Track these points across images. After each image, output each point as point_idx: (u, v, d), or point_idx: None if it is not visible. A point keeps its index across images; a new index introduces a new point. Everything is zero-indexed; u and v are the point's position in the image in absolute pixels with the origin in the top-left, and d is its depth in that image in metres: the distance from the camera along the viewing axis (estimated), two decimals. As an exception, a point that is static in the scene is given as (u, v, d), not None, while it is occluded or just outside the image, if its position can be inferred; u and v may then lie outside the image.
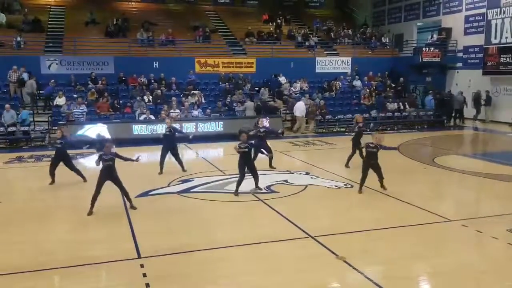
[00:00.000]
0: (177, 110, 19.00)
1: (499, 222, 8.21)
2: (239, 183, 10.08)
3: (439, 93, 23.70)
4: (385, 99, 22.79)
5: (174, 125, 13.21)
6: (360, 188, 10.22)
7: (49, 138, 16.75)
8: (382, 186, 10.26)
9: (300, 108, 20.37)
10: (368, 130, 15.52)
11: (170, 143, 12.38)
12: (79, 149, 14.93)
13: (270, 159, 12.76)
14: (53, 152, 11.50)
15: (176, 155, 12.42)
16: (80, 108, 18.04)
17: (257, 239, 7.41)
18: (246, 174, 10.16)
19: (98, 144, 9.22)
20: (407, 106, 22.52)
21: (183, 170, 12.29)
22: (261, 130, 12.75)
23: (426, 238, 7.56)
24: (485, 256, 7.04)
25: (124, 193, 9.06)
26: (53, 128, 17.67)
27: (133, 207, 9.03)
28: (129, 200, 9.10)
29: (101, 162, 8.86)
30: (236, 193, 10.02)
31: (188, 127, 18.04)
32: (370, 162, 10.15)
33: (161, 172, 12.17)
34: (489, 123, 22.82)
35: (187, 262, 6.69)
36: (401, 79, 24.64)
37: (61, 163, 11.18)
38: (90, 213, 8.69)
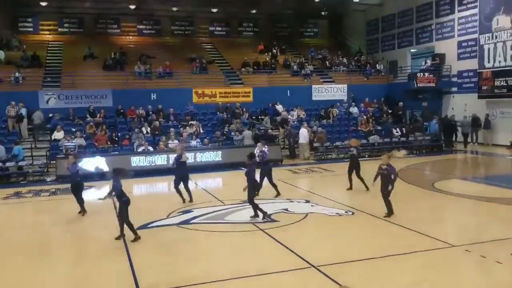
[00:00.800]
0: (175, 141, 19.03)
1: (503, 246, 8.11)
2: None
3: (444, 117, 23.83)
4: (391, 125, 22.96)
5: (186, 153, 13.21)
6: (389, 213, 10.08)
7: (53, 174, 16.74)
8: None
9: (303, 134, 20.48)
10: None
11: (183, 170, 12.30)
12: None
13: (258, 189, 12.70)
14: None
15: (187, 184, 12.31)
16: (72, 142, 18.01)
17: (259, 271, 7.28)
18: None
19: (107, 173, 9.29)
20: (411, 131, 22.57)
21: (191, 200, 12.20)
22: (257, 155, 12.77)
23: (430, 264, 7.45)
24: (491, 281, 6.92)
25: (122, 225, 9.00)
26: (52, 162, 17.67)
27: (119, 238, 8.93)
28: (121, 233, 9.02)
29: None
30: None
31: (187, 157, 17.98)
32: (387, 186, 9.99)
33: (184, 200, 12.10)
34: (489, 146, 22.84)
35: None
36: (400, 103, 24.83)
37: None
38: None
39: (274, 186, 12.84)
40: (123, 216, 8.90)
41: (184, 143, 19.13)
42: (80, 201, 11.36)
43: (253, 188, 10.37)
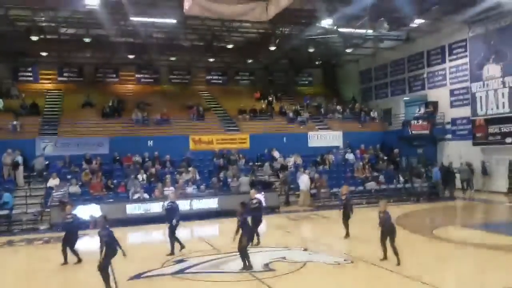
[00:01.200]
0: (171, 188, 18.90)
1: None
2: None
3: (441, 165, 23.91)
4: (393, 172, 23.14)
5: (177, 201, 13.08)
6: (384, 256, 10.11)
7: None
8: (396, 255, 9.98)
9: (304, 181, 20.45)
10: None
11: (173, 217, 12.12)
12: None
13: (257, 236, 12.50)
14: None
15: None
16: (61, 190, 17.75)
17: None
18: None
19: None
20: (413, 178, 22.62)
21: (181, 248, 11.92)
22: (254, 202, 12.67)
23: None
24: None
25: None
26: (46, 210, 17.44)
27: None
28: None
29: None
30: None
31: (183, 205, 17.82)
32: (384, 230, 10.06)
33: (182, 247, 11.88)
34: (487, 193, 22.72)
35: None
36: (396, 150, 25.04)
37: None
38: None
39: (257, 234, 12.51)
40: (103, 263, 8.58)
41: (180, 190, 19.04)
42: (75, 251, 11.11)
43: (248, 238, 10.16)
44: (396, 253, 9.94)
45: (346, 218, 13.19)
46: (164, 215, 12.72)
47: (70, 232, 11.21)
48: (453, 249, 12.08)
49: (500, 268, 9.96)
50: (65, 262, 11.02)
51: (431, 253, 11.54)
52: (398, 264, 9.79)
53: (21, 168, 19.83)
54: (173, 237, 11.95)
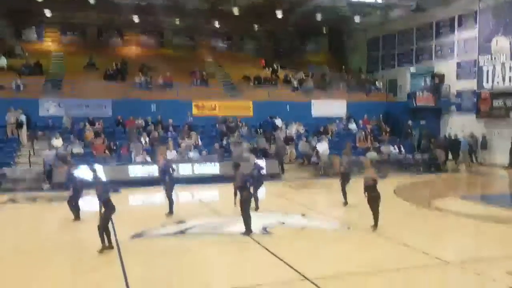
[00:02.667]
0: (174, 152, 19.03)
1: (498, 265, 8.07)
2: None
3: (447, 137, 23.90)
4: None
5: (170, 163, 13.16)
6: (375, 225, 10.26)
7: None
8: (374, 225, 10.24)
9: (323, 147, 20.68)
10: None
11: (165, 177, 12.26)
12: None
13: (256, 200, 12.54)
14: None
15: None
16: (52, 151, 17.74)
17: (254, 282, 7.24)
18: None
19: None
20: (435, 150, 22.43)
21: (168, 213, 11.98)
22: (252, 167, 12.73)
23: (424, 280, 7.41)
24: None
25: None
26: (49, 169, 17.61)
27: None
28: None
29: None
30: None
31: (185, 169, 18.03)
32: (371, 195, 10.22)
33: (169, 211, 11.99)
34: (485, 166, 22.86)
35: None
36: (410, 122, 24.86)
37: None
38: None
39: (256, 199, 12.54)
40: (102, 220, 8.76)
41: (184, 154, 19.13)
42: (76, 207, 11.33)
43: (246, 201, 10.21)
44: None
45: (344, 186, 13.30)
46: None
47: (75, 190, 11.45)
48: (450, 219, 12.22)
49: (495, 239, 10.10)
50: (77, 218, 11.30)
51: (428, 223, 11.71)
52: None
53: (24, 127, 19.93)
54: (170, 197, 12.08)
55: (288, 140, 22.33)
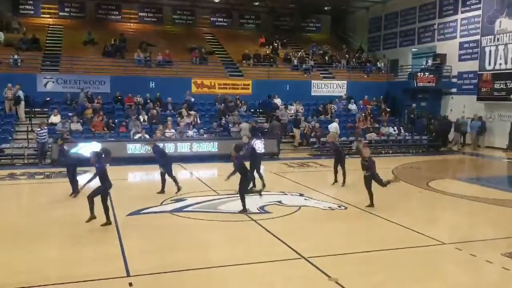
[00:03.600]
0: (172, 130, 18.99)
1: (493, 246, 8.14)
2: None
3: (445, 118, 23.85)
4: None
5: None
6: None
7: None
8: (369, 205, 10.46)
9: (333, 127, 20.84)
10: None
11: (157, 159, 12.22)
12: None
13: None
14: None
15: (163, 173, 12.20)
16: (44, 129, 17.65)
17: (250, 260, 7.29)
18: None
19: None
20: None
21: (159, 191, 11.90)
22: (247, 147, 12.68)
23: (420, 261, 7.46)
24: (480, 279, 6.93)
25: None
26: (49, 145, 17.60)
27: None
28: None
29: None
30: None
31: (183, 147, 18.06)
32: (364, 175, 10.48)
33: (161, 191, 11.94)
34: (484, 148, 22.88)
35: (178, 281, 6.56)
36: (413, 105, 24.61)
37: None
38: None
39: (261, 176, 12.58)
40: (101, 196, 8.88)
41: (182, 132, 19.11)
42: (74, 182, 11.38)
43: (245, 181, 10.25)
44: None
45: (336, 165, 13.44)
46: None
47: (72, 165, 11.54)
48: (447, 201, 12.25)
49: (491, 221, 10.17)
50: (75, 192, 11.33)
51: (425, 204, 11.77)
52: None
53: (22, 103, 19.83)
54: (165, 177, 11.97)
55: (297, 123, 22.02)
